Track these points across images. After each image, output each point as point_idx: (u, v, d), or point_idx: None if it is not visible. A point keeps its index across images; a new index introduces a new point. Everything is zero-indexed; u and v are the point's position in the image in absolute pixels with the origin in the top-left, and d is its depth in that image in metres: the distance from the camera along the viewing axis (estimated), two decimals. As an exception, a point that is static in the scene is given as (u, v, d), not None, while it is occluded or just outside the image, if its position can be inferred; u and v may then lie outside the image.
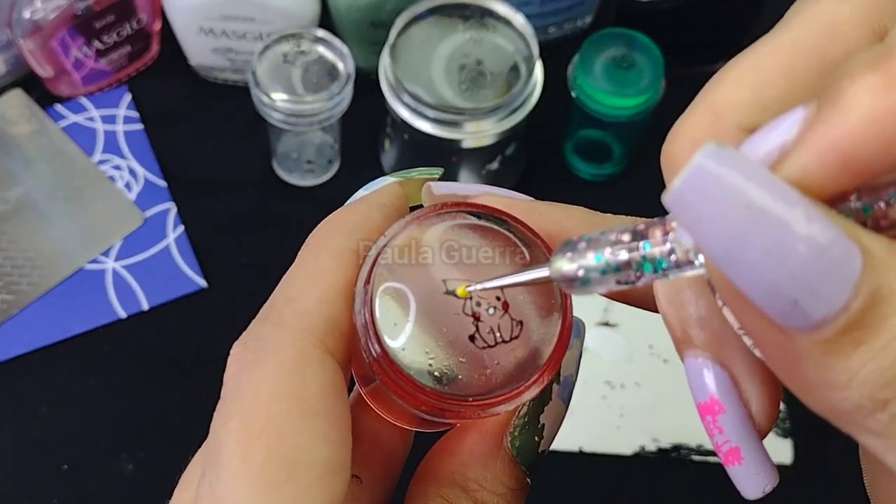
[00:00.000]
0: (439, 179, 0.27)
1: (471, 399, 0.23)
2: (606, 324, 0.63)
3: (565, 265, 0.20)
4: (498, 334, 0.23)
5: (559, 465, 0.59)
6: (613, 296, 0.25)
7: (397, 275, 0.23)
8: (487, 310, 0.23)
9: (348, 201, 0.27)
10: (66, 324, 0.61)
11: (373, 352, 0.23)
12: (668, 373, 0.62)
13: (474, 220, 0.24)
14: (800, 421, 0.60)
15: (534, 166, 0.69)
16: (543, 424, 0.26)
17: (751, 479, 0.22)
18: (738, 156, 0.17)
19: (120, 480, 0.57)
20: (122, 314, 0.62)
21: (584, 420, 0.60)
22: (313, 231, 0.26)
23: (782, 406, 0.33)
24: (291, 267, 0.25)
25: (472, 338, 0.23)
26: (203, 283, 0.63)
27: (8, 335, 0.61)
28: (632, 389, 0.61)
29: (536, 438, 0.26)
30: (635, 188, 0.68)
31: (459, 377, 0.23)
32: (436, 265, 0.24)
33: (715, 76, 0.21)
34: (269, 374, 0.22)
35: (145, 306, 0.62)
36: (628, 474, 0.59)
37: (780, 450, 0.59)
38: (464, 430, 0.26)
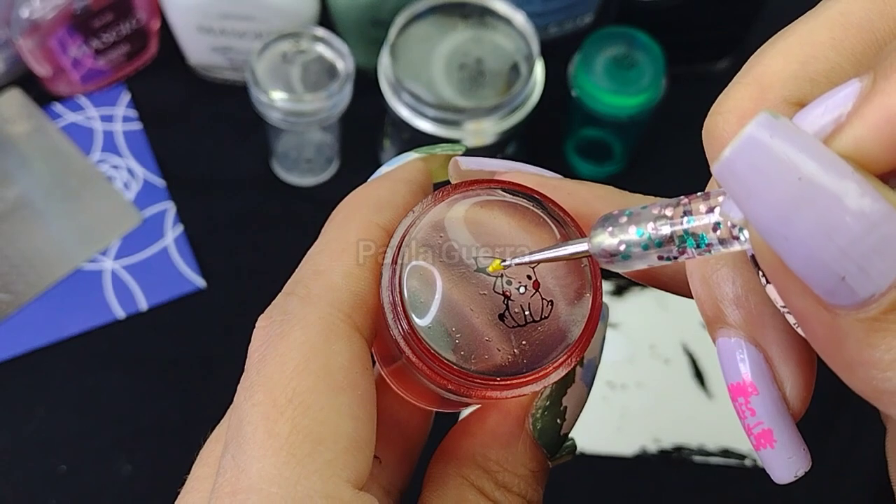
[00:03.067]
0: (463, 155, 0.27)
1: (498, 378, 0.23)
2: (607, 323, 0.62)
3: (606, 239, 0.20)
4: (528, 313, 0.23)
5: (559, 466, 0.58)
6: (640, 276, 0.25)
7: (425, 252, 0.23)
8: (518, 288, 0.23)
9: (372, 177, 0.27)
10: (63, 324, 0.61)
11: (400, 329, 0.23)
12: (669, 373, 0.61)
13: (503, 197, 0.24)
14: (803, 419, 0.59)
15: (534, 165, 0.68)
16: (566, 407, 0.26)
17: (783, 462, 0.22)
18: (791, 127, 0.16)
19: (119, 481, 0.57)
20: (121, 314, 0.62)
21: (584, 421, 0.59)
22: (338, 206, 0.25)
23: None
24: (317, 241, 0.25)
25: (501, 316, 0.23)
26: (202, 282, 0.63)
27: (5, 335, 0.60)
28: (633, 390, 0.61)
29: (558, 421, 0.26)
30: (636, 187, 0.67)
31: (486, 356, 0.23)
32: (464, 243, 0.23)
33: (761, 49, 0.20)
34: (295, 347, 0.22)
35: (143, 306, 0.62)
36: (629, 475, 0.59)
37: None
38: (485, 411, 0.26)
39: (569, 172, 0.69)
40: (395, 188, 0.25)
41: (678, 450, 0.59)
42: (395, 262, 0.23)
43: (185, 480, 0.24)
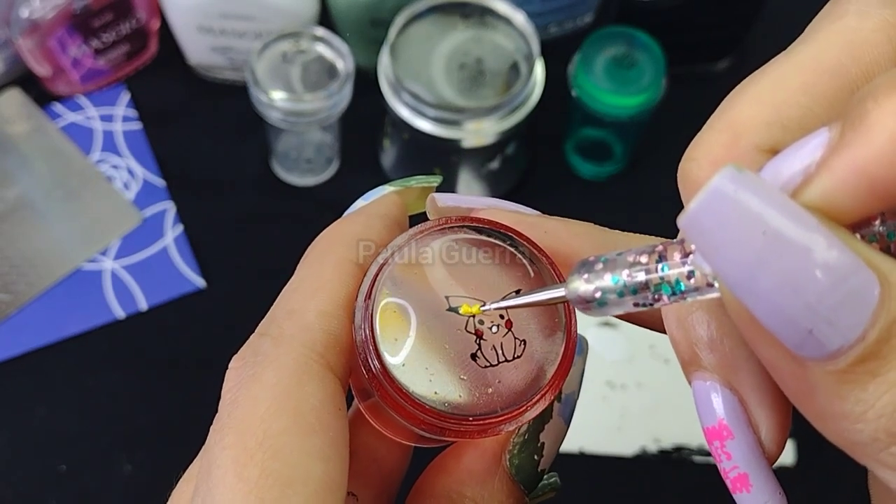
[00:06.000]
0: (438, 188, 0.27)
1: (471, 418, 0.23)
2: (607, 324, 0.62)
3: (582, 286, 0.20)
4: (500, 352, 0.23)
5: (559, 467, 0.58)
6: (619, 314, 0.25)
7: (399, 290, 0.23)
8: (491, 328, 0.23)
9: (347, 212, 0.27)
10: (63, 324, 0.61)
11: (372, 368, 0.23)
12: (669, 373, 0.61)
13: (478, 236, 0.24)
14: (802, 421, 0.59)
15: (535, 165, 0.68)
16: (543, 443, 0.26)
17: None
18: (756, 180, 0.16)
19: (119, 481, 0.57)
20: (121, 314, 0.62)
21: (584, 421, 0.59)
22: (313, 243, 0.25)
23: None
24: (291, 279, 0.24)
25: (473, 356, 0.23)
26: (202, 282, 0.63)
27: (5, 335, 0.60)
28: (633, 390, 0.61)
29: (536, 457, 0.26)
30: (636, 187, 0.68)
31: (460, 395, 0.23)
32: (438, 281, 0.23)
33: (733, 93, 0.20)
34: (267, 389, 0.22)
35: (143, 306, 0.62)
36: (629, 475, 0.59)
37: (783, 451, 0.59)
38: (462, 447, 0.26)
39: (569, 172, 0.69)
40: (369, 223, 0.25)
41: (678, 450, 0.59)
42: (368, 299, 0.23)
43: None
